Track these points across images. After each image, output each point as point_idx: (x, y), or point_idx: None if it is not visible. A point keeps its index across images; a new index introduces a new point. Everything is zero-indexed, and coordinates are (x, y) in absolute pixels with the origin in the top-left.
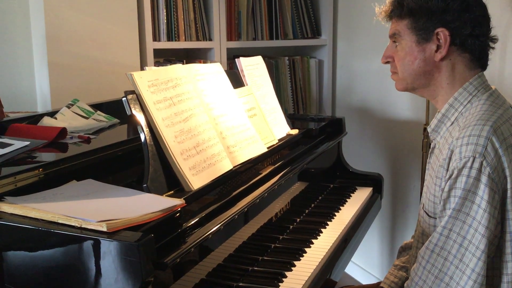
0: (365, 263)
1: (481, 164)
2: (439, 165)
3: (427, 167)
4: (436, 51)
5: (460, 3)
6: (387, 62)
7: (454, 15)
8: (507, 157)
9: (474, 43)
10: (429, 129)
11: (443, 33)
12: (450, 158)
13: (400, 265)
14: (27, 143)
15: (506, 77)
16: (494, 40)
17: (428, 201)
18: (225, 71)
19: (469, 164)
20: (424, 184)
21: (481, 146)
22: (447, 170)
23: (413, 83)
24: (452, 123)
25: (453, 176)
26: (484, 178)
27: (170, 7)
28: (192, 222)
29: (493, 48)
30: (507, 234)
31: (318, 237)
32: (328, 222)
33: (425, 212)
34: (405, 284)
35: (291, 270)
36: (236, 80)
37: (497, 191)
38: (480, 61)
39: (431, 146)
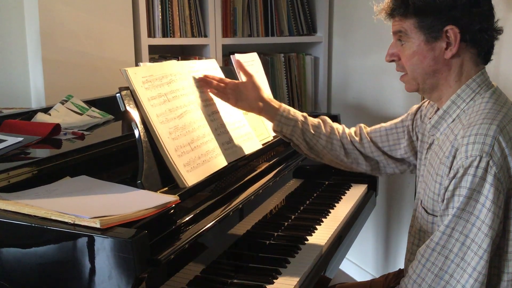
0: (360, 260)
1: (488, 163)
2: (439, 162)
3: (423, 162)
4: (446, 48)
5: None
6: (392, 61)
7: (462, 11)
8: None
9: (483, 38)
10: (429, 125)
11: (452, 31)
12: (454, 156)
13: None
14: (21, 139)
15: (501, 75)
16: (499, 31)
17: (427, 198)
18: (221, 67)
19: (475, 163)
20: (421, 180)
21: (488, 146)
22: (450, 168)
23: (424, 83)
24: (454, 120)
25: (458, 175)
26: (490, 178)
27: (165, 3)
28: (187, 219)
29: (497, 39)
30: (509, 233)
31: (313, 234)
32: (323, 219)
33: (424, 208)
34: (401, 281)
35: (285, 267)
36: (232, 76)
37: (502, 190)
38: (486, 55)
39: (429, 142)
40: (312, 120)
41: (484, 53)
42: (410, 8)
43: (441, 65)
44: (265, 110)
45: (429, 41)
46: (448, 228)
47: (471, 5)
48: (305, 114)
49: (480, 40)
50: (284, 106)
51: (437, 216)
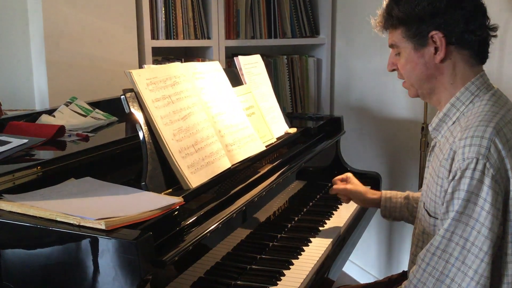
0: (363, 262)
1: (484, 165)
2: (439, 164)
3: (427, 165)
4: (435, 53)
5: (447, 2)
6: (394, 70)
7: (444, 15)
8: (510, 158)
9: (471, 39)
10: (430, 128)
11: (437, 36)
12: (452, 159)
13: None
14: (25, 141)
15: (504, 77)
16: (494, 29)
17: (429, 200)
18: (224, 69)
19: (472, 166)
20: (424, 182)
21: (484, 148)
22: (449, 170)
23: (421, 89)
24: (454, 122)
25: (456, 177)
26: (487, 180)
27: (168, 5)
28: (191, 220)
29: (494, 36)
30: (508, 236)
31: (316, 235)
32: (326, 221)
33: (426, 211)
34: (403, 285)
35: (289, 269)
36: (235, 78)
37: (500, 192)
38: (479, 55)
39: (431, 144)
40: (415, 196)
41: (476, 54)
42: (395, 19)
43: (433, 70)
44: (370, 205)
45: (418, 48)
46: (447, 232)
47: (452, 8)
48: (407, 194)
49: (468, 41)
50: (384, 195)
51: (438, 219)
